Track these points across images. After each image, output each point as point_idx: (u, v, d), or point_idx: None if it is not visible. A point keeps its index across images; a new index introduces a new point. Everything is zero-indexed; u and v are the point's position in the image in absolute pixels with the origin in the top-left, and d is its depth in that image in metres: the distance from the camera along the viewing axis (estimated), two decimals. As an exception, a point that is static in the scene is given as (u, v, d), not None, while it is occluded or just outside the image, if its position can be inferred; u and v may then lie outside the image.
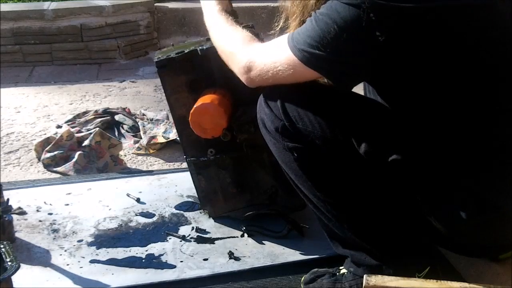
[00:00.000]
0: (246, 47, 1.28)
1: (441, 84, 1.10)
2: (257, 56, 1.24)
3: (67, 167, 2.19)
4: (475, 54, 1.10)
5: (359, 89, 1.27)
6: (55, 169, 2.21)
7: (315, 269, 1.43)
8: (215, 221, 1.75)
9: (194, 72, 1.55)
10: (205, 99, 1.48)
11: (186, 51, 1.53)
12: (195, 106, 1.47)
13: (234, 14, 1.56)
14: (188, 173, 1.72)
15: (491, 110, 1.12)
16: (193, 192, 1.80)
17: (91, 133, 2.32)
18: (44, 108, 2.96)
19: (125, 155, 2.40)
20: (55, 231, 1.70)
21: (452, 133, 1.12)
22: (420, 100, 1.14)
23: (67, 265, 1.53)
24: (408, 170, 1.17)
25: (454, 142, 1.12)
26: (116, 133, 2.57)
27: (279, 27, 1.31)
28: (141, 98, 3.16)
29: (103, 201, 1.89)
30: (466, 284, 1.12)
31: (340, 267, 1.41)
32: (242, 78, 1.30)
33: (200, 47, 1.52)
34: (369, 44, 1.06)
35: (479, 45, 1.10)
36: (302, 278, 1.44)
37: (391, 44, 1.05)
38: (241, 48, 1.29)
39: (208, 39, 1.62)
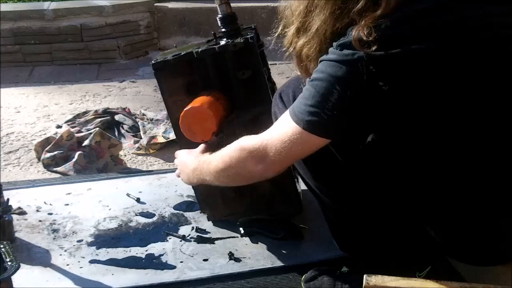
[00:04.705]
0: (248, 144, 1.22)
1: (452, 121, 1.06)
2: (265, 142, 1.18)
3: (67, 167, 2.19)
4: (475, 93, 1.04)
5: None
6: (55, 169, 2.21)
7: (316, 268, 1.44)
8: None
9: (190, 75, 1.54)
10: (195, 102, 1.46)
11: (182, 54, 1.52)
12: (184, 109, 1.45)
13: (233, 17, 1.55)
14: (188, 173, 1.71)
15: (496, 131, 1.09)
16: (193, 192, 1.79)
17: (91, 133, 2.32)
18: (44, 108, 2.96)
19: (125, 155, 2.40)
20: (55, 231, 1.70)
21: (453, 153, 1.10)
22: (426, 134, 1.10)
23: (67, 265, 1.53)
24: (412, 179, 1.17)
25: (455, 160, 1.11)
26: (116, 133, 2.57)
27: (277, 33, 1.26)
28: (141, 98, 3.16)
29: (103, 201, 1.89)
30: (466, 284, 1.12)
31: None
32: (258, 169, 1.21)
33: (197, 49, 1.51)
34: (374, 96, 1.03)
35: (481, 84, 1.04)
36: (303, 277, 1.44)
37: (396, 92, 1.02)
38: (245, 147, 1.22)
39: (209, 41, 1.61)
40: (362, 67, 1.00)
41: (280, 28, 1.24)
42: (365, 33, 0.98)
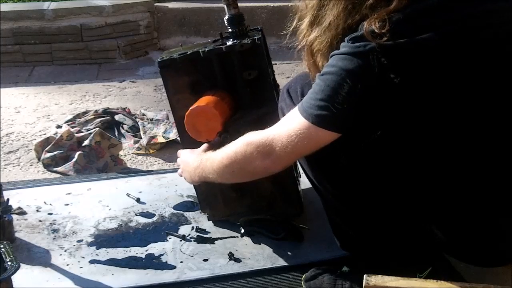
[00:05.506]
0: (255, 139, 1.21)
1: (461, 118, 1.06)
2: (271, 136, 1.17)
3: (67, 167, 2.19)
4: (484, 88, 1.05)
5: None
6: (55, 169, 2.21)
7: (317, 267, 1.44)
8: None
9: (196, 74, 1.54)
10: (201, 101, 1.47)
11: (188, 52, 1.53)
12: (190, 108, 1.46)
13: (240, 18, 1.54)
14: (188, 173, 1.71)
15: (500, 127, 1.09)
16: (193, 192, 1.79)
17: (91, 133, 2.32)
18: (44, 108, 2.96)
19: (125, 155, 2.40)
20: (55, 231, 1.70)
21: (454, 152, 1.10)
22: (433, 131, 1.10)
23: (67, 265, 1.53)
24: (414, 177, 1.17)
25: (455, 160, 1.11)
26: (116, 133, 2.57)
27: (292, 28, 1.24)
28: (141, 98, 3.16)
29: (103, 201, 1.89)
30: (466, 284, 1.12)
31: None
32: (264, 164, 1.20)
33: (203, 48, 1.51)
34: (384, 89, 1.02)
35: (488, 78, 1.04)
36: (303, 276, 1.44)
37: (407, 85, 1.02)
38: (251, 142, 1.21)
39: (215, 41, 1.61)
40: (374, 59, 1.00)
41: (294, 23, 1.22)
42: (377, 25, 0.99)
